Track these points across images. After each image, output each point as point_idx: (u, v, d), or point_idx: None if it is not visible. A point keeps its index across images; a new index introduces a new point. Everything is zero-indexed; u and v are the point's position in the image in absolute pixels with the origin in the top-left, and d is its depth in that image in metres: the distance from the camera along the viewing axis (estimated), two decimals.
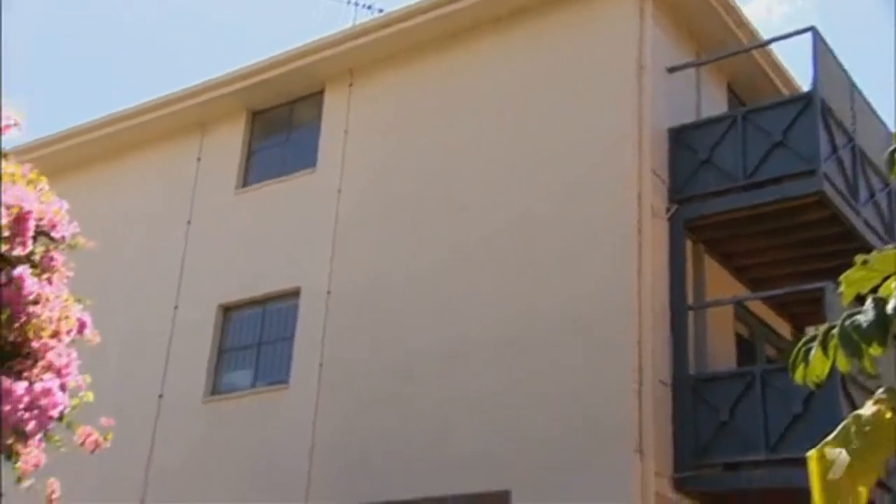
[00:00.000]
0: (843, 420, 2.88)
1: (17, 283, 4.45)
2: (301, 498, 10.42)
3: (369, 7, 12.81)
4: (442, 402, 9.96)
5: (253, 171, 12.61)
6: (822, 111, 9.48)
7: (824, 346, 2.85)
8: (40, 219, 5.03)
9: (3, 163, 5.15)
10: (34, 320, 4.63)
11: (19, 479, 4.79)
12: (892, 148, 2.97)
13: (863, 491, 2.78)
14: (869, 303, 2.80)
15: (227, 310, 11.88)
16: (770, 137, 9.55)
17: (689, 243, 9.94)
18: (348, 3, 13.11)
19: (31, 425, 4.40)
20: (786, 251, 10.48)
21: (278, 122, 12.77)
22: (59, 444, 4.95)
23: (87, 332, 5.36)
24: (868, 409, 2.85)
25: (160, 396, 11.50)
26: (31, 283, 4.58)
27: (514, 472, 9.21)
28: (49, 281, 5.08)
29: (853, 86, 10.49)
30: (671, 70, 10.34)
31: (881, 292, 2.82)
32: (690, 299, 9.55)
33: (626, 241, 9.33)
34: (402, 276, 10.64)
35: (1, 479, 4.68)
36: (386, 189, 11.23)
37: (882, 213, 10.54)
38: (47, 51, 29.95)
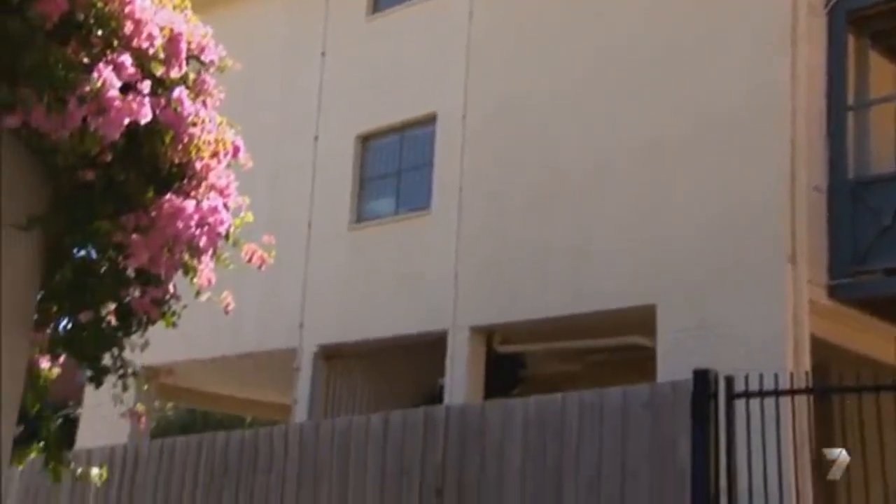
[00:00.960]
0: None
1: (176, 105, 4.48)
2: (448, 320, 10.71)
3: None
4: (586, 219, 9.93)
5: None
6: None
7: None
8: (189, 42, 5.04)
9: None
10: (195, 141, 4.70)
11: (197, 294, 4.96)
12: None
13: None
14: None
15: (365, 139, 12.01)
16: None
17: (850, 38, 9.33)
18: None
19: (203, 241, 4.54)
20: None
21: None
22: (227, 262, 5.08)
23: (241, 155, 5.43)
24: None
25: (308, 225, 11.89)
26: (189, 104, 4.62)
27: (660, 286, 9.18)
28: (203, 104, 5.13)
29: None
30: None
31: None
32: (851, 99, 9.05)
33: (780, 38, 8.82)
34: (539, 95, 10.45)
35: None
36: (519, 7, 10.90)
37: None
38: None
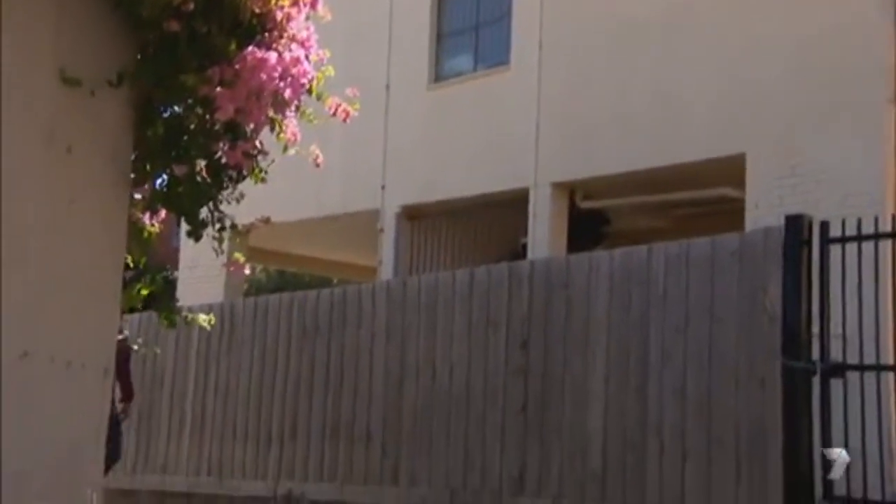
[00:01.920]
0: None
1: None
2: (529, 176, 10.64)
3: None
4: (669, 67, 9.63)
5: None
6: None
7: None
8: None
9: None
10: None
11: (285, 149, 4.98)
12: None
13: None
14: None
15: None
16: None
17: None
18: None
19: (287, 93, 4.51)
20: None
21: None
22: (311, 117, 5.06)
23: (320, 7, 5.32)
24: None
25: (386, 87, 11.80)
26: None
27: (750, 133, 8.92)
28: None
29: None
30: None
31: None
32: None
33: None
34: None
35: None
36: None
37: None
38: None
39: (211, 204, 4.85)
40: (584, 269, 7.30)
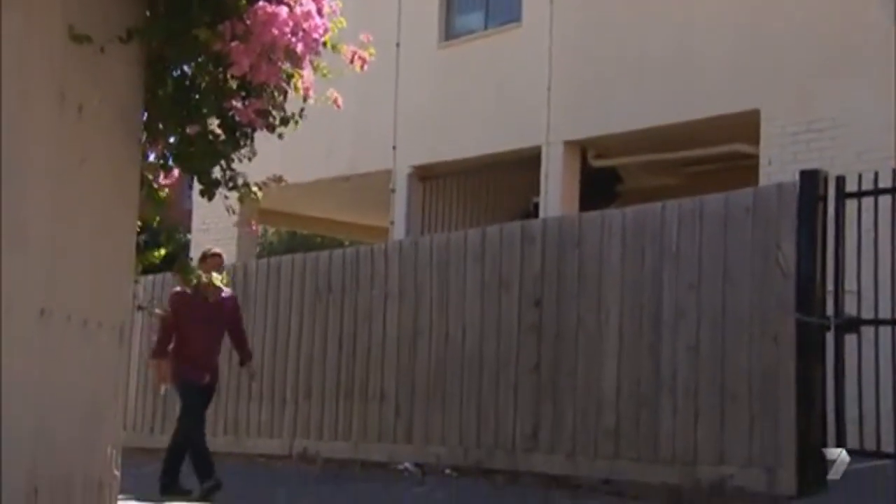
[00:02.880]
0: None
1: None
2: (541, 135, 10.58)
3: None
4: (681, 22, 9.56)
5: None
6: None
7: None
8: None
9: None
10: None
11: (305, 99, 4.93)
12: None
13: None
14: None
15: None
16: None
17: None
18: None
19: (299, 47, 4.48)
20: None
21: None
22: (326, 71, 5.02)
23: None
24: None
25: (397, 45, 11.71)
26: None
27: (764, 88, 8.83)
28: None
29: None
30: None
31: None
32: None
33: None
34: None
35: None
36: None
37: None
38: None
39: (223, 162, 4.84)
40: (596, 227, 7.28)
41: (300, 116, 4.81)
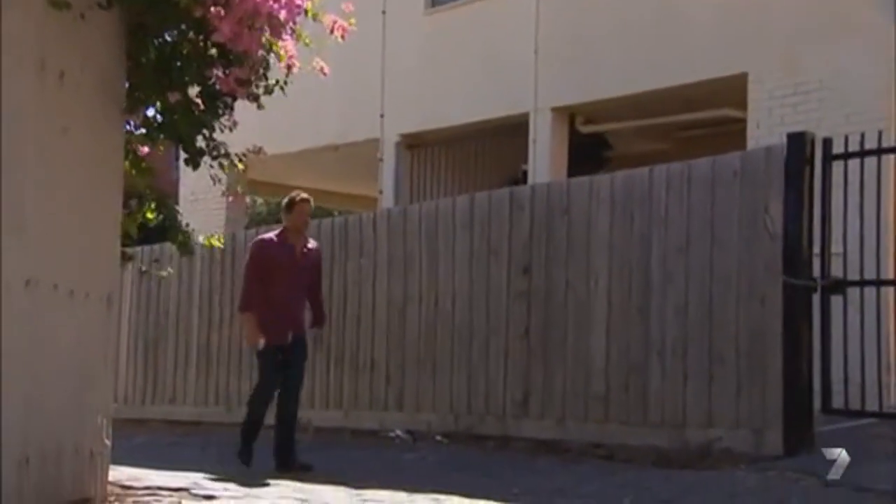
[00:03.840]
0: None
1: None
2: (529, 102, 10.54)
3: None
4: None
5: None
6: None
7: None
8: None
9: None
10: None
11: (289, 69, 4.91)
12: None
13: None
14: None
15: None
16: None
17: None
18: None
19: (282, 14, 4.44)
20: None
21: None
22: (308, 39, 4.99)
23: None
24: None
25: (383, 12, 11.63)
26: None
27: (752, 52, 8.81)
28: None
29: None
30: None
31: None
32: None
33: None
34: None
35: None
36: None
37: None
38: None
39: (206, 132, 4.83)
40: (584, 193, 7.28)
41: (284, 83, 4.78)
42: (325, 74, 4.96)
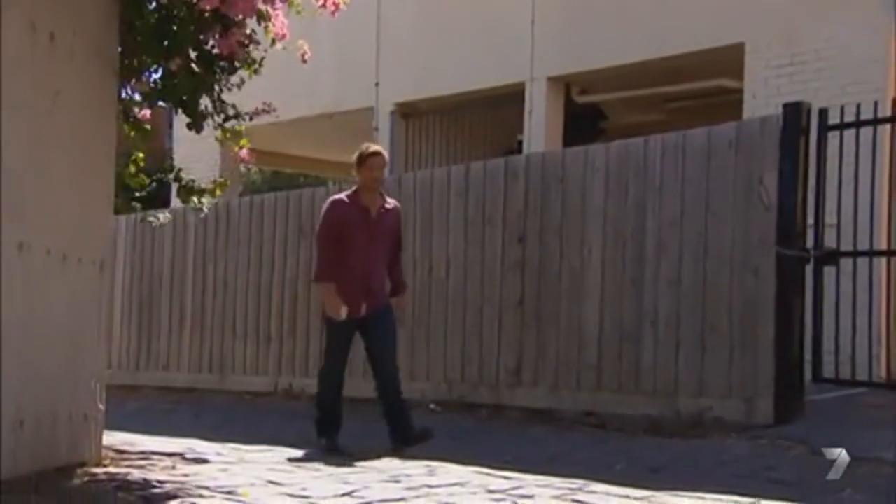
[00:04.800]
0: None
1: None
2: (525, 71, 10.50)
3: None
4: None
5: None
6: None
7: None
8: None
9: None
10: None
11: (273, 43, 4.94)
12: None
13: None
14: None
15: None
16: None
17: None
18: None
19: None
20: None
21: None
22: (300, 8, 4.99)
23: None
24: None
25: None
26: None
27: (749, 21, 8.77)
28: None
29: None
30: None
31: None
32: None
33: None
34: None
35: None
36: None
37: None
38: None
39: (214, 93, 4.82)
40: (579, 162, 7.27)
41: (260, 65, 4.79)
42: (304, 62, 4.97)
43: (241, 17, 4.61)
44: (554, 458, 5.54)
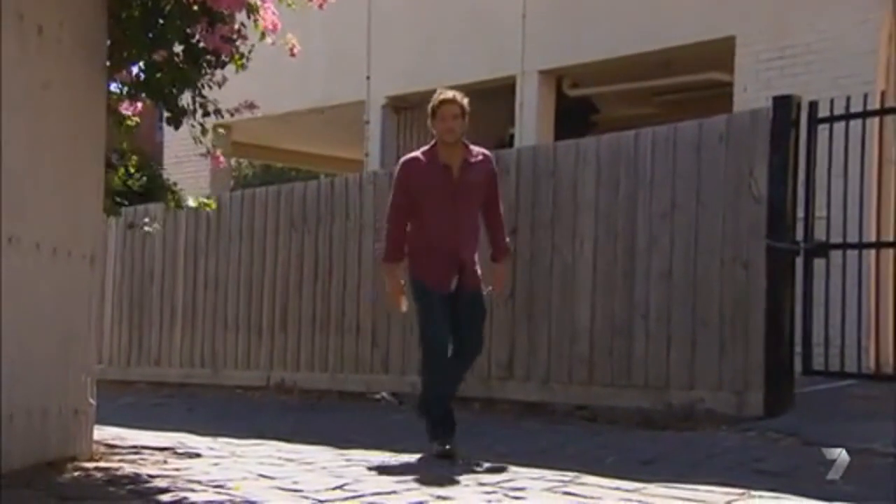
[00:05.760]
0: None
1: None
2: (516, 64, 10.50)
3: None
4: None
5: None
6: None
7: None
8: None
9: None
10: None
11: (262, 37, 4.92)
12: None
13: None
14: None
15: None
16: None
17: None
18: None
19: None
20: None
21: None
22: (290, 1, 4.98)
23: None
24: None
25: None
26: None
27: (739, 15, 8.79)
28: None
29: None
30: None
31: None
32: None
33: None
34: None
35: None
36: None
37: None
38: None
39: (194, 90, 4.80)
40: (570, 156, 7.27)
41: (247, 59, 4.77)
42: (293, 55, 4.95)
43: (228, 11, 4.59)
44: (546, 451, 5.55)
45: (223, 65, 4.86)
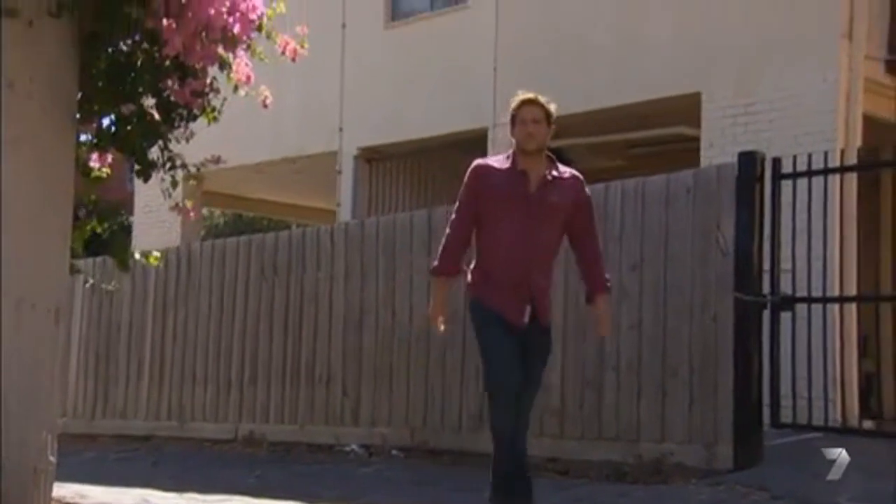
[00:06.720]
0: None
1: None
2: (488, 117, 10.60)
3: None
4: (628, 7, 9.61)
5: None
6: None
7: None
8: None
9: None
10: None
11: (235, 89, 4.93)
12: None
13: None
14: None
15: None
16: None
17: None
18: None
19: (236, 29, 4.43)
20: None
21: None
22: (262, 55, 5.00)
23: None
24: None
25: (343, 25, 11.65)
26: None
27: (706, 72, 8.96)
28: None
29: None
30: None
31: None
32: None
33: None
34: None
35: None
36: None
37: None
38: None
39: (161, 143, 4.79)
40: None
41: (219, 113, 4.77)
42: (265, 107, 4.95)
43: (201, 65, 4.61)
44: None
45: (194, 118, 4.87)
